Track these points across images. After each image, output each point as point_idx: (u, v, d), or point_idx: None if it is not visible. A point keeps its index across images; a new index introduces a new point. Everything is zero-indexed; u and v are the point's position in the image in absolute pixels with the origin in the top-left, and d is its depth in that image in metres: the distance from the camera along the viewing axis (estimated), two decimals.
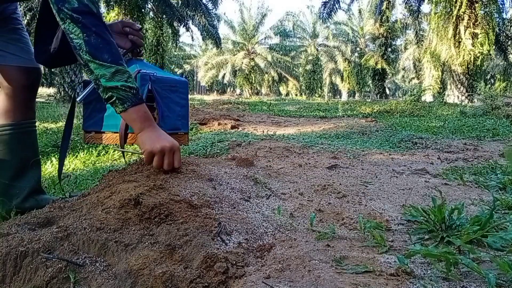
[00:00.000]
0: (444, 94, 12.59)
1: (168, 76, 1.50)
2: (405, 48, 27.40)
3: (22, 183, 1.44)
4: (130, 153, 1.51)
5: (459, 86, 13.04)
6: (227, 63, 32.33)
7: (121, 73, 1.16)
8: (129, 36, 1.47)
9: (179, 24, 18.05)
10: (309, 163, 2.33)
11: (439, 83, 17.35)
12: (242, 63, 30.61)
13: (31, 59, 1.44)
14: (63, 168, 1.57)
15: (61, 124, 5.58)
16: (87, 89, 1.41)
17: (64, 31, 1.15)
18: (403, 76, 38.13)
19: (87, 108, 1.49)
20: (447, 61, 13.31)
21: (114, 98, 1.16)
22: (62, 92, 12.63)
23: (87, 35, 1.12)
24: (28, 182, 1.45)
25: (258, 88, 34.64)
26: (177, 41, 21.11)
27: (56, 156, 3.13)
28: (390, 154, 2.88)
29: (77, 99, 1.44)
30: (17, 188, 1.43)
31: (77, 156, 3.13)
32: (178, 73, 41.07)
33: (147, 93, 1.38)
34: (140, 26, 1.50)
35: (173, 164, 1.29)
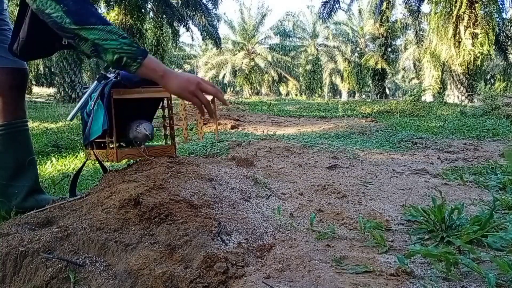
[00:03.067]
0: (444, 94, 12.58)
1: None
2: (405, 48, 27.36)
3: (20, 183, 1.44)
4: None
5: (459, 86, 13.03)
6: (227, 63, 32.30)
7: (115, 32, 1.08)
8: None
9: (179, 24, 18.04)
10: (309, 163, 2.33)
11: (439, 83, 17.35)
12: (242, 63, 30.59)
13: (18, 60, 1.43)
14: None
15: (61, 124, 5.57)
16: (76, 108, 1.43)
17: (37, 11, 1.06)
18: (403, 76, 38.10)
19: (82, 123, 1.50)
20: (447, 61, 13.30)
21: (124, 58, 1.07)
22: (62, 92, 12.63)
23: (64, 4, 1.03)
24: (26, 181, 1.45)
25: (258, 88, 34.63)
26: (177, 41, 21.10)
27: (55, 156, 3.14)
28: (390, 154, 2.88)
29: (68, 118, 1.46)
30: (15, 187, 1.43)
31: (77, 156, 3.13)
32: None
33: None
34: None
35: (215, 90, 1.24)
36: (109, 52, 1.07)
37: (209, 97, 1.25)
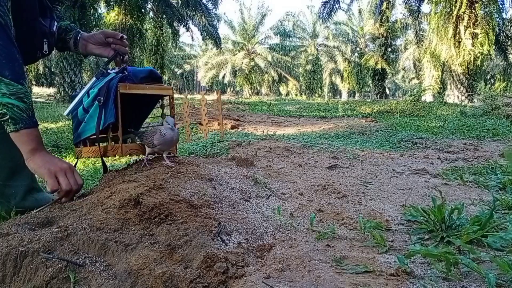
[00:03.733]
0: (444, 94, 12.59)
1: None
2: (405, 48, 27.38)
3: (17, 182, 1.44)
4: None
5: (459, 86, 13.04)
6: (227, 63, 32.32)
7: (20, 92, 1.13)
8: (112, 46, 1.46)
9: (179, 24, 18.06)
10: (309, 163, 2.33)
11: (439, 83, 17.35)
12: (242, 63, 30.60)
13: None
14: None
15: (61, 124, 5.57)
16: (73, 103, 1.43)
17: None
18: (403, 76, 38.13)
19: (73, 121, 1.50)
20: (447, 61, 13.31)
21: (8, 116, 1.13)
22: (62, 92, 12.63)
23: None
24: (23, 180, 1.45)
25: (258, 88, 34.64)
26: (177, 41, 21.12)
27: (55, 156, 3.13)
28: (390, 154, 2.88)
29: (65, 113, 1.46)
30: (12, 187, 1.43)
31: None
32: (178, 73, 41.05)
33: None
34: (123, 35, 1.49)
35: (78, 185, 1.24)
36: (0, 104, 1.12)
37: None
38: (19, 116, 1.14)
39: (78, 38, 1.49)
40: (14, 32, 1.25)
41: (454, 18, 12.53)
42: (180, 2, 16.96)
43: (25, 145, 1.18)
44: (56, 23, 1.45)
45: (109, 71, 1.46)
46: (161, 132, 1.43)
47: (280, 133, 4.30)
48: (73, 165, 1.55)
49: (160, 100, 1.67)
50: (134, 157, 1.81)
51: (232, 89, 39.76)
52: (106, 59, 1.50)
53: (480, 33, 12.17)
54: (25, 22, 1.30)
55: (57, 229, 1.02)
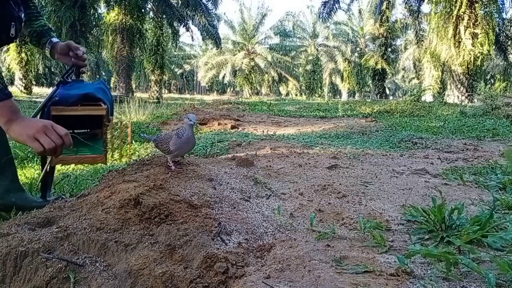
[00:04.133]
0: (444, 94, 12.58)
1: None
2: (405, 48, 27.37)
3: None
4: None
5: (459, 86, 13.03)
6: (227, 63, 32.31)
7: None
8: (73, 59, 1.56)
9: (179, 24, 18.06)
10: (309, 163, 2.33)
11: (439, 83, 17.34)
12: (242, 63, 30.59)
13: None
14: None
15: None
16: (37, 108, 1.48)
17: None
18: (403, 76, 38.12)
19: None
20: (447, 61, 13.30)
21: None
22: None
23: None
24: (2, 180, 1.47)
25: (258, 88, 34.63)
26: (177, 41, 21.10)
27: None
28: (390, 154, 2.88)
29: (31, 116, 1.49)
30: None
31: None
32: (178, 73, 41.09)
33: None
34: (84, 52, 1.59)
35: (61, 138, 1.17)
36: None
37: None
38: None
39: (52, 46, 1.58)
40: None
41: (454, 18, 12.52)
42: (180, 2, 16.96)
43: (1, 118, 1.16)
44: (23, 13, 1.47)
45: (66, 79, 1.57)
46: (178, 134, 1.43)
47: (280, 133, 4.30)
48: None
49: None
50: (134, 157, 1.80)
51: (232, 89, 39.76)
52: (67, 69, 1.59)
53: (480, 33, 12.17)
54: None
55: (57, 229, 1.02)
